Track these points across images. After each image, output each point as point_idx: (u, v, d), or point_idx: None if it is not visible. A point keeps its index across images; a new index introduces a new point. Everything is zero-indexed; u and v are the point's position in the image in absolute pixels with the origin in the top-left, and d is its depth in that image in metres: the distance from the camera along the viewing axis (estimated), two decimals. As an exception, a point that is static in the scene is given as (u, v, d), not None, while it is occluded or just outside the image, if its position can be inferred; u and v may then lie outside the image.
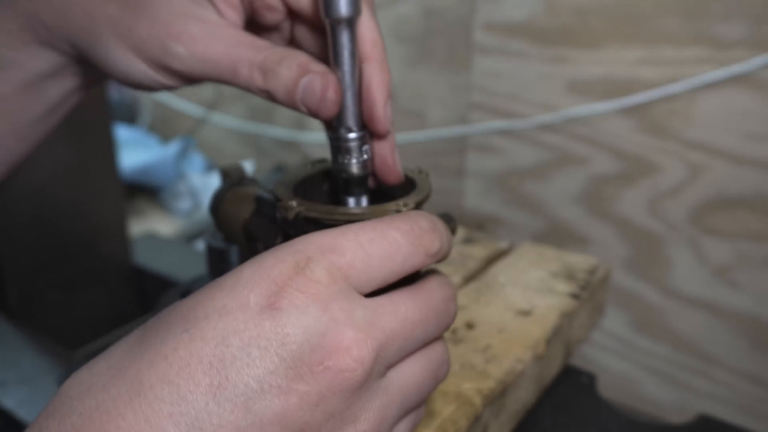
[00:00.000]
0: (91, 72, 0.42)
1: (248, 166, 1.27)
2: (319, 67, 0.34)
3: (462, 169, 0.93)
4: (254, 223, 0.37)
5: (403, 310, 0.28)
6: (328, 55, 0.34)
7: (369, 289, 0.28)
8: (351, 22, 0.32)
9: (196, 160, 1.34)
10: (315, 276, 0.26)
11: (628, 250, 0.81)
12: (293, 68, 0.34)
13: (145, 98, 1.45)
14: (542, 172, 0.85)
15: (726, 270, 0.74)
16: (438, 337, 0.31)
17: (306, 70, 0.33)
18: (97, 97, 0.76)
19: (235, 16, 0.37)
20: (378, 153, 0.36)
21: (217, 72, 0.35)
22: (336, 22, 0.32)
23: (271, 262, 0.27)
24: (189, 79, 0.37)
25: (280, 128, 1.21)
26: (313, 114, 0.34)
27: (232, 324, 0.25)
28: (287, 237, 0.34)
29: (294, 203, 0.32)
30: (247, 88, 0.35)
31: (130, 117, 1.45)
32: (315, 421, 0.25)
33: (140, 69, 0.37)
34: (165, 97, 1.40)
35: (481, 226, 0.93)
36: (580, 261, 0.60)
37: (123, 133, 1.28)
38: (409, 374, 0.29)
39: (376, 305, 0.28)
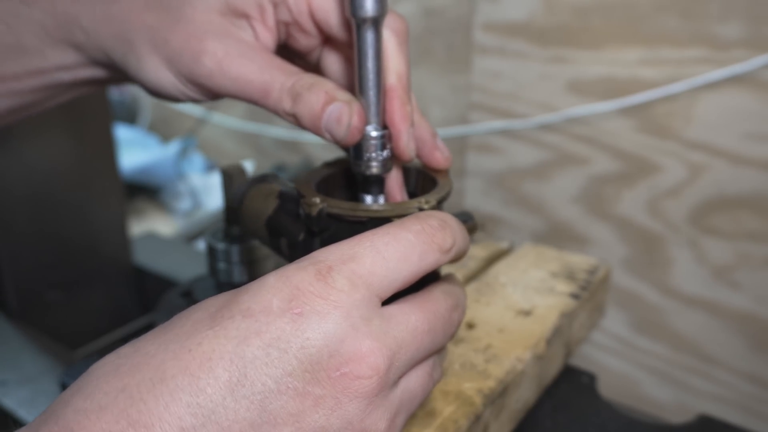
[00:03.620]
0: (110, 75, 0.43)
1: (248, 166, 1.27)
2: (345, 96, 0.35)
3: (462, 169, 0.93)
4: (278, 219, 0.38)
5: (413, 320, 0.29)
6: (352, 55, 0.35)
7: (390, 292, 0.29)
8: (376, 22, 0.33)
9: (196, 160, 1.34)
10: (337, 284, 0.27)
11: (628, 250, 0.81)
12: (321, 95, 0.34)
13: (145, 98, 1.45)
14: (542, 172, 0.85)
15: (726, 270, 0.74)
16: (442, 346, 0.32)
17: (332, 97, 0.34)
18: (97, 97, 0.76)
19: (270, 39, 0.38)
20: (421, 138, 0.39)
21: (247, 91, 0.36)
22: (362, 21, 0.33)
23: (293, 270, 0.28)
24: (215, 95, 0.38)
25: (280, 128, 1.21)
26: (336, 141, 0.35)
27: (254, 325, 0.26)
28: (310, 233, 0.35)
29: (317, 200, 0.33)
30: (274, 111, 0.36)
31: (130, 117, 1.45)
32: (332, 427, 0.26)
33: (169, 80, 0.38)
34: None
35: (481, 226, 0.93)
36: (580, 261, 0.60)
37: (123, 133, 1.28)
38: (416, 382, 0.30)
39: (389, 315, 0.28)
